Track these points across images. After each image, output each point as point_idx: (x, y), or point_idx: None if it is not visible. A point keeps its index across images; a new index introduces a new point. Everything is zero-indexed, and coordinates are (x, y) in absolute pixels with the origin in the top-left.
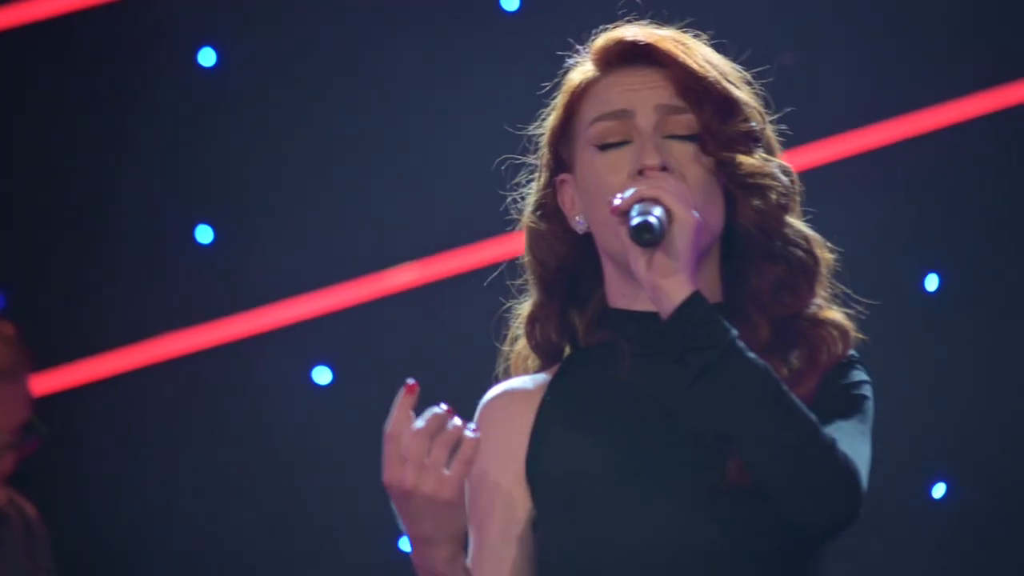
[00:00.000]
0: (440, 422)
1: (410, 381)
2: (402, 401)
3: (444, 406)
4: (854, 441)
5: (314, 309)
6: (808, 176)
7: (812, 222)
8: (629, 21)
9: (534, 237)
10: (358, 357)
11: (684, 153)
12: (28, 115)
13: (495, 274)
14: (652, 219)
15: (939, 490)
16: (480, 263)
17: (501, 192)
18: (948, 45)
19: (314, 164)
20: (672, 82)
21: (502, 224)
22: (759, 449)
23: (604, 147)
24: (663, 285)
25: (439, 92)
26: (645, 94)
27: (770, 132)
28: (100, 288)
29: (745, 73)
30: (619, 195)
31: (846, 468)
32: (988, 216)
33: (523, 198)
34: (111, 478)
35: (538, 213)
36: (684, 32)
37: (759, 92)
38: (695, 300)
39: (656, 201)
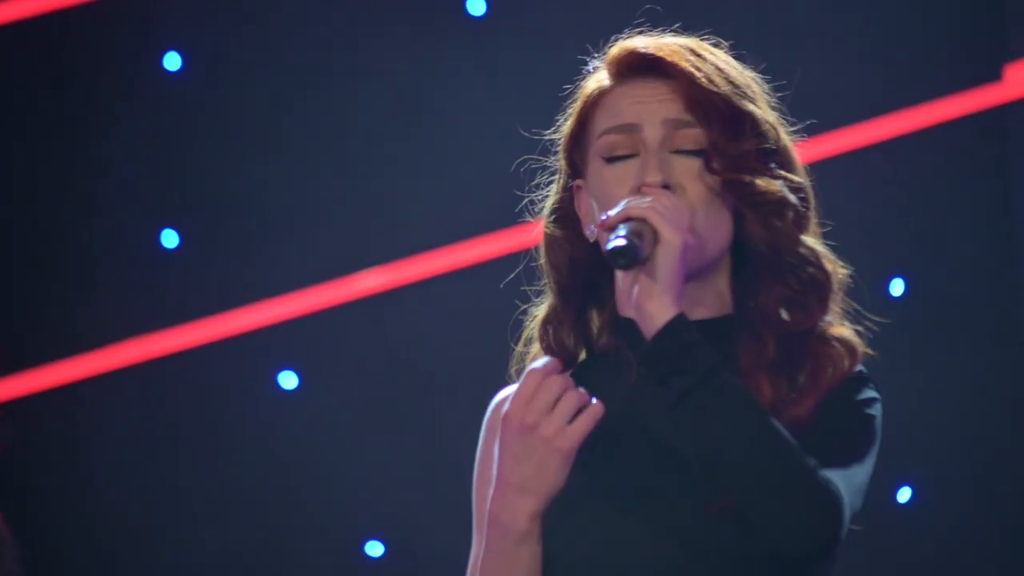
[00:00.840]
0: (553, 366)
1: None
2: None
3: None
4: (847, 463)
5: (280, 314)
6: None
7: None
8: (647, 29)
9: (550, 242)
10: (324, 362)
11: (689, 169)
12: None
13: (492, 274)
14: (626, 242)
15: (904, 494)
16: (448, 267)
17: (467, 195)
18: (914, 49)
19: (280, 168)
20: (680, 95)
21: (470, 228)
22: (736, 475)
23: (611, 159)
24: (647, 306)
25: (405, 97)
26: (654, 107)
27: (788, 147)
28: (64, 292)
29: (764, 86)
30: (610, 211)
31: (826, 496)
32: (954, 221)
33: (537, 200)
34: (72, 484)
35: (553, 218)
36: (703, 41)
37: (779, 106)
38: (678, 323)
39: (643, 221)
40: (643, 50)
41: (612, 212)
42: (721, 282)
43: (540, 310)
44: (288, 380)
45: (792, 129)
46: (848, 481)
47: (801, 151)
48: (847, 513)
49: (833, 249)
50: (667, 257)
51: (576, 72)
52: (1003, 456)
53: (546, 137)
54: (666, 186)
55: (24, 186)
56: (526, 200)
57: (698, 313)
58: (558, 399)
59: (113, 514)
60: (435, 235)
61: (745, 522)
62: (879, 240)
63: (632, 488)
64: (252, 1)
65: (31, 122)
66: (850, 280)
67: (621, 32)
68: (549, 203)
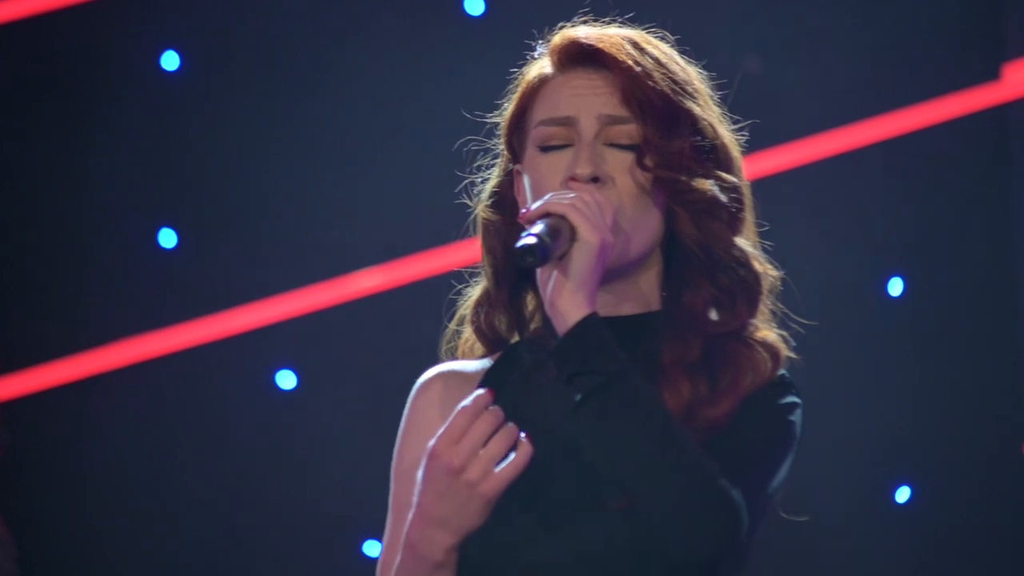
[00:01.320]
0: (484, 403)
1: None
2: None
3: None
4: (755, 469)
5: (278, 313)
6: (773, 181)
7: (776, 227)
8: (593, 20)
9: (486, 226)
10: (322, 361)
11: (621, 163)
12: None
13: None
14: (535, 240)
15: (903, 494)
16: (445, 267)
17: (465, 194)
18: (913, 49)
19: (278, 168)
20: (617, 89)
21: (469, 228)
22: (636, 478)
23: (546, 149)
24: (559, 304)
25: (403, 96)
26: (591, 100)
27: (728, 145)
28: (62, 292)
29: (707, 83)
30: (530, 205)
31: (724, 503)
32: (952, 220)
33: (482, 182)
34: (69, 484)
35: (491, 201)
36: (649, 33)
37: (720, 103)
38: (588, 323)
39: (562, 217)
40: (584, 40)
41: (533, 206)
42: (649, 278)
43: (474, 292)
44: (286, 380)
45: (735, 127)
46: (753, 487)
47: (799, 151)
48: (744, 520)
49: (833, 249)
50: (582, 256)
51: None
52: (1002, 456)
53: (489, 121)
54: (596, 179)
55: (21, 185)
56: (466, 181)
57: (624, 309)
58: (488, 439)
59: (111, 513)
60: (433, 235)
61: (644, 524)
62: (878, 239)
63: (540, 485)
64: (250, 0)
65: (28, 121)
66: (779, 284)
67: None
68: (488, 187)
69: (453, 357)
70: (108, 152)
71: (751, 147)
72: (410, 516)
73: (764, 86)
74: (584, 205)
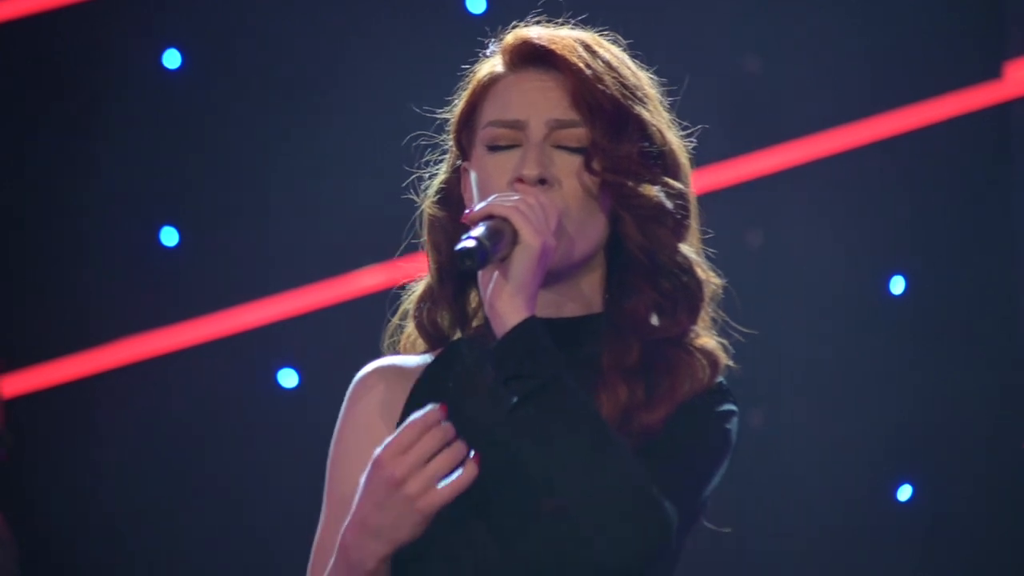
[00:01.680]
0: (435, 418)
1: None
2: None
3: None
4: (687, 477)
5: (280, 312)
6: (774, 179)
7: (778, 226)
8: (547, 20)
9: (432, 222)
10: (324, 360)
11: (569, 165)
12: None
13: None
14: (474, 243)
15: (905, 492)
16: None
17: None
18: (914, 48)
19: (280, 166)
20: (567, 92)
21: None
22: (566, 483)
23: (494, 148)
24: (497, 306)
25: (405, 94)
26: (541, 103)
27: (676, 151)
28: (64, 290)
29: (657, 89)
30: (475, 205)
31: (651, 511)
32: (954, 219)
33: (430, 177)
34: (70, 482)
35: (437, 198)
36: (602, 36)
37: (670, 109)
38: (526, 326)
39: (504, 219)
40: (536, 41)
41: (476, 207)
42: (592, 281)
43: (418, 286)
44: (288, 378)
45: (684, 133)
46: (685, 494)
47: (801, 150)
48: (673, 528)
49: (835, 248)
50: (523, 259)
51: None
52: (1003, 453)
53: (438, 116)
54: (543, 180)
55: (23, 184)
56: (413, 176)
57: (566, 310)
58: (434, 455)
59: (112, 512)
60: None
61: (574, 528)
62: (880, 238)
63: (476, 485)
64: None
65: (30, 120)
66: (721, 292)
67: (612, 27)
68: (435, 183)
69: (395, 351)
70: (110, 150)
71: (753, 146)
72: (347, 519)
73: (765, 85)
74: (527, 208)
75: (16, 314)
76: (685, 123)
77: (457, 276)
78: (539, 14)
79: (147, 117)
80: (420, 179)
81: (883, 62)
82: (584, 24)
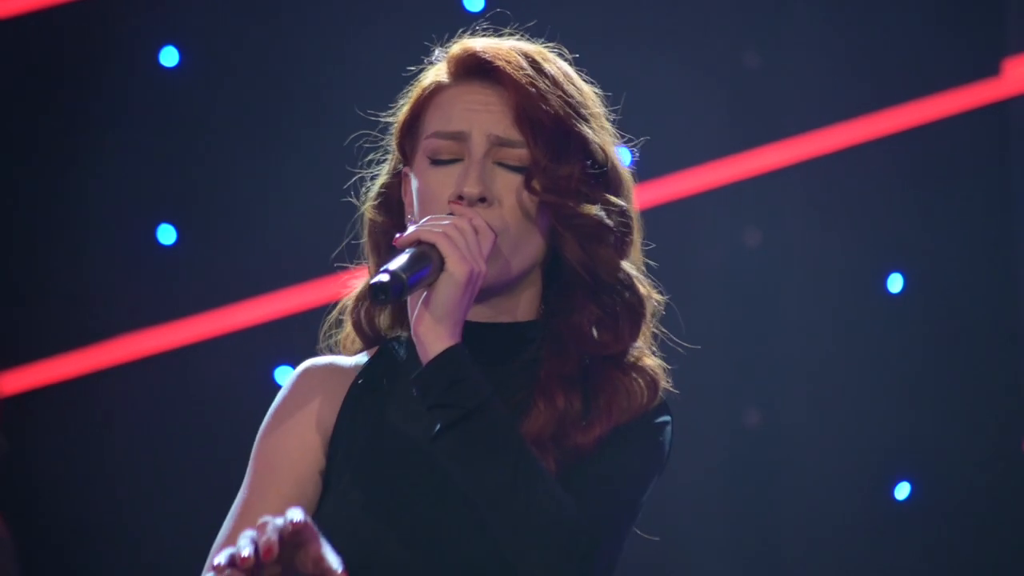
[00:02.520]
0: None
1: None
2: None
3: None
4: (614, 496)
5: (278, 309)
6: (772, 177)
7: (776, 224)
8: (494, 31)
9: (372, 226)
10: (330, 347)
11: (509, 183)
12: None
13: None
14: (388, 278)
15: (902, 490)
16: None
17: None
18: (913, 45)
19: (277, 163)
20: (510, 108)
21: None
22: (489, 509)
23: (436, 162)
24: (421, 334)
25: (403, 91)
26: (483, 118)
27: (619, 168)
28: (61, 288)
29: (602, 103)
30: (407, 230)
31: (575, 538)
32: (952, 216)
33: (371, 179)
34: (71, 480)
35: (378, 202)
36: (548, 50)
37: (613, 124)
38: (449, 355)
39: (432, 246)
40: (482, 55)
41: (407, 232)
42: (529, 295)
43: (358, 285)
44: (285, 376)
45: (630, 144)
46: (613, 516)
47: (798, 147)
48: (596, 552)
49: (832, 245)
50: (448, 287)
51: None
52: (1001, 452)
53: (382, 120)
54: (483, 199)
55: (20, 181)
56: (356, 177)
57: (501, 319)
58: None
59: (110, 510)
60: None
61: (495, 550)
62: (878, 236)
63: (404, 495)
64: None
65: (27, 117)
66: (662, 309)
67: (608, 32)
68: (376, 185)
69: (331, 350)
70: (107, 148)
71: (752, 142)
72: (272, 457)
73: (762, 82)
74: (457, 234)
75: (13, 312)
76: (628, 136)
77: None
78: (487, 20)
79: (144, 115)
80: (362, 180)
81: (882, 59)
82: (576, 24)
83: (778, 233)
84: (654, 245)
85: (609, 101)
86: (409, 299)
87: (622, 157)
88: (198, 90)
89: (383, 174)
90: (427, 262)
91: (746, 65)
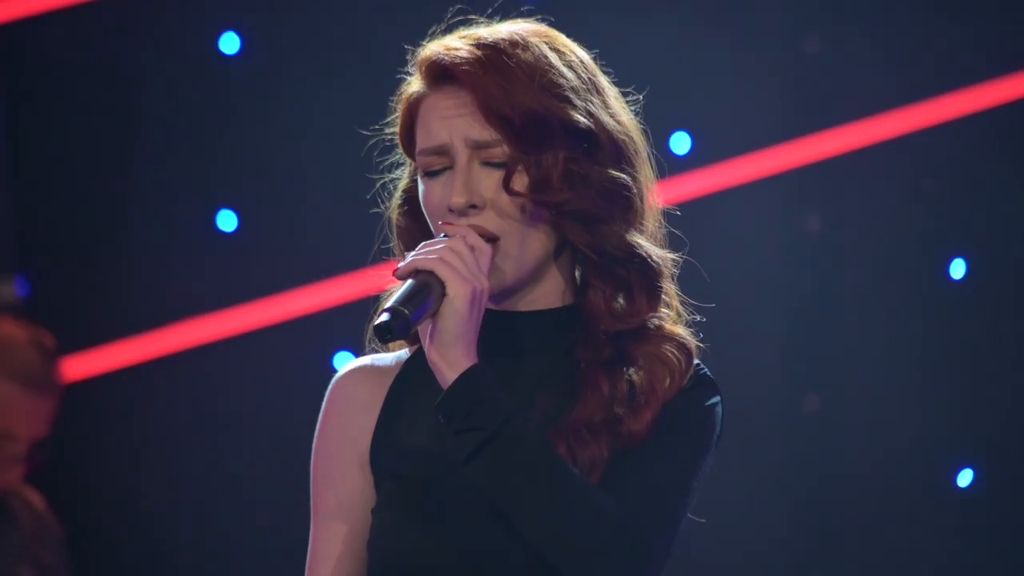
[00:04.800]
0: None
1: None
2: None
3: None
4: (670, 482)
5: (338, 296)
6: (833, 163)
7: (838, 209)
8: (470, 18)
9: (400, 231)
10: (372, 347)
11: (496, 182)
12: (50, 103)
13: None
14: (389, 317)
15: (965, 477)
16: None
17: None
18: (978, 28)
19: (338, 149)
20: (479, 109)
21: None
22: (530, 524)
23: (429, 174)
24: (435, 362)
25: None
26: (458, 124)
27: (614, 132)
28: (122, 275)
29: (590, 71)
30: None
31: (623, 538)
32: (1015, 202)
33: (394, 182)
34: (132, 466)
35: (403, 208)
36: (516, 36)
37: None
38: (468, 378)
39: (431, 273)
40: (439, 59)
41: (404, 262)
42: (556, 278)
43: (395, 286)
44: (344, 362)
45: (630, 98)
46: (668, 500)
47: (861, 132)
48: (645, 548)
49: (895, 232)
50: (452, 313)
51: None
52: None
53: (387, 133)
54: (473, 205)
55: (81, 169)
56: (379, 183)
57: (535, 306)
58: None
59: (169, 496)
60: None
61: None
62: (940, 222)
63: (445, 494)
64: None
65: (89, 106)
66: (674, 267)
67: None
68: (399, 189)
69: (376, 347)
70: (167, 135)
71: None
72: (333, 471)
73: (827, 66)
74: (454, 256)
75: (74, 299)
76: (630, 90)
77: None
78: (466, 12)
79: (204, 101)
80: (385, 185)
81: (944, 43)
82: (636, 9)
83: (839, 219)
84: (713, 229)
85: (668, 86)
86: (419, 330)
87: (624, 115)
88: (258, 76)
89: (404, 177)
90: (428, 291)
91: (805, 50)
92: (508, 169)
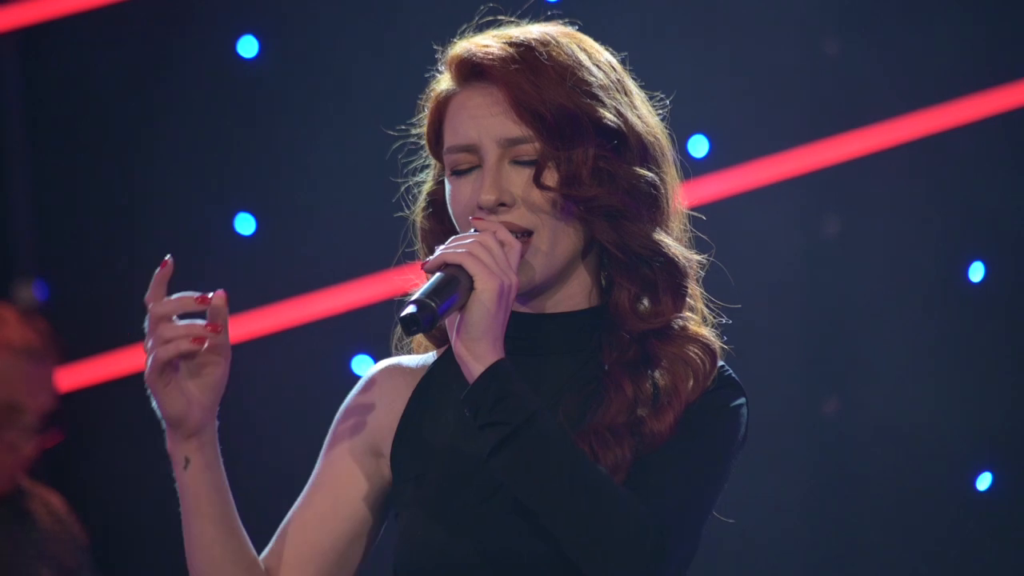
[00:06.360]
0: (181, 305)
1: (167, 258)
2: (157, 275)
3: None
4: (694, 483)
5: (356, 299)
6: (852, 165)
7: (856, 212)
8: (502, 18)
9: (424, 234)
10: (400, 347)
11: (526, 180)
12: (68, 107)
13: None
14: (415, 309)
15: (984, 480)
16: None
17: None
18: (999, 30)
19: (355, 153)
20: (511, 106)
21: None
22: (553, 518)
23: (456, 173)
24: (462, 356)
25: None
26: (488, 123)
27: (642, 133)
28: (140, 279)
29: (619, 72)
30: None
31: (644, 535)
32: None
33: (418, 186)
34: (151, 470)
35: (428, 211)
36: (547, 36)
37: (642, 86)
38: (492, 374)
39: (460, 267)
40: (472, 58)
41: (432, 256)
42: (582, 278)
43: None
44: (363, 365)
45: (656, 99)
46: (682, 509)
47: (880, 135)
48: (667, 546)
49: (914, 234)
50: (480, 305)
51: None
52: None
53: (413, 133)
54: (502, 203)
55: (101, 173)
56: (403, 188)
57: (561, 307)
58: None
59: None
60: None
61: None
62: (959, 224)
63: (470, 489)
64: None
65: (108, 109)
66: (699, 268)
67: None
68: (424, 192)
69: (401, 349)
70: (186, 138)
71: (831, 131)
72: (345, 445)
73: (846, 69)
74: (483, 250)
75: (94, 302)
76: (657, 94)
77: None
78: (496, 12)
79: (223, 104)
80: (409, 189)
81: (963, 45)
82: (656, 13)
83: (858, 221)
84: (732, 233)
85: (686, 89)
86: (447, 323)
87: (651, 117)
88: (277, 80)
89: (428, 180)
90: (456, 284)
91: (824, 53)
92: (539, 164)
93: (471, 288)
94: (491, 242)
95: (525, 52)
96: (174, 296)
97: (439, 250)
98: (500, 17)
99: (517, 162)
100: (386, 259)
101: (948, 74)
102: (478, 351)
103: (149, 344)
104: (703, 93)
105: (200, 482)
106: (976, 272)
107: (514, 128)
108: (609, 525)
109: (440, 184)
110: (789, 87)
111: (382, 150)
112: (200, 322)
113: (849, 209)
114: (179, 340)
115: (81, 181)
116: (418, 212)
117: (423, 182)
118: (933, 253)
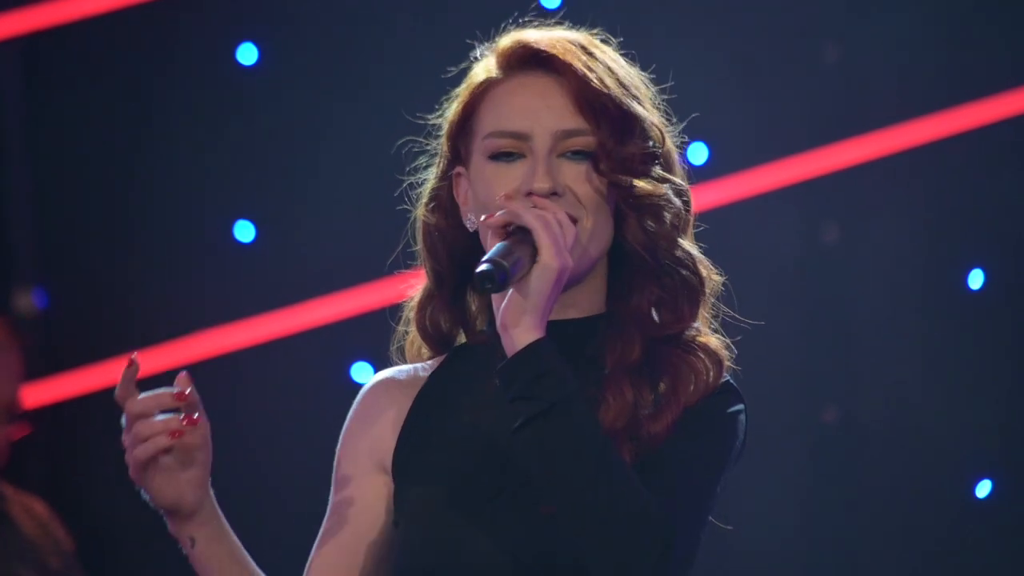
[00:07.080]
0: (160, 402)
1: (133, 355)
2: (125, 373)
3: (178, 387)
4: (691, 486)
5: (355, 306)
6: (850, 172)
7: (855, 219)
8: (540, 21)
9: (427, 230)
10: (399, 354)
11: (578, 173)
12: (68, 114)
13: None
14: (492, 267)
15: (983, 488)
16: None
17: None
18: (996, 38)
19: (355, 160)
20: (570, 96)
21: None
22: (568, 504)
23: (495, 158)
24: (509, 326)
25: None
26: (544, 115)
27: (671, 148)
28: (140, 285)
29: (650, 87)
30: (497, 210)
31: (653, 532)
32: None
33: (420, 184)
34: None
35: (431, 206)
36: (593, 37)
37: (662, 107)
38: (536, 348)
39: (526, 231)
40: (535, 45)
41: (499, 212)
42: (597, 282)
43: (417, 292)
44: (362, 373)
45: (672, 130)
46: (690, 504)
47: (879, 142)
48: (674, 546)
49: (913, 241)
50: (541, 280)
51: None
52: None
53: (430, 121)
54: (554, 193)
55: (100, 180)
56: (405, 184)
57: (570, 313)
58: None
59: None
60: None
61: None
62: (958, 231)
63: (478, 487)
64: None
65: (107, 117)
66: (722, 288)
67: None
68: (427, 189)
69: (402, 357)
70: (185, 145)
71: (830, 138)
72: (352, 473)
73: (845, 76)
74: (553, 223)
75: (93, 309)
76: (675, 119)
77: (456, 279)
78: (532, 14)
79: (222, 112)
80: (411, 186)
81: (963, 52)
82: (652, 17)
83: (856, 229)
84: (731, 240)
85: (686, 94)
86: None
87: (671, 139)
88: (276, 87)
89: (432, 177)
90: (523, 252)
91: (823, 60)
92: (596, 155)
93: (532, 259)
94: (563, 217)
95: (583, 47)
96: (149, 393)
97: (506, 208)
98: (527, 19)
99: (567, 154)
100: (385, 267)
101: (947, 81)
102: (526, 323)
103: (127, 442)
104: (702, 100)
105: (211, 555)
106: (975, 279)
107: (572, 119)
108: (626, 518)
109: (446, 179)
110: (788, 94)
111: (381, 157)
112: (176, 414)
113: (848, 216)
114: (157, 438)
115: (81, 189)
116: (421, 208)
117: (424, 184)
118: (932, 260)
